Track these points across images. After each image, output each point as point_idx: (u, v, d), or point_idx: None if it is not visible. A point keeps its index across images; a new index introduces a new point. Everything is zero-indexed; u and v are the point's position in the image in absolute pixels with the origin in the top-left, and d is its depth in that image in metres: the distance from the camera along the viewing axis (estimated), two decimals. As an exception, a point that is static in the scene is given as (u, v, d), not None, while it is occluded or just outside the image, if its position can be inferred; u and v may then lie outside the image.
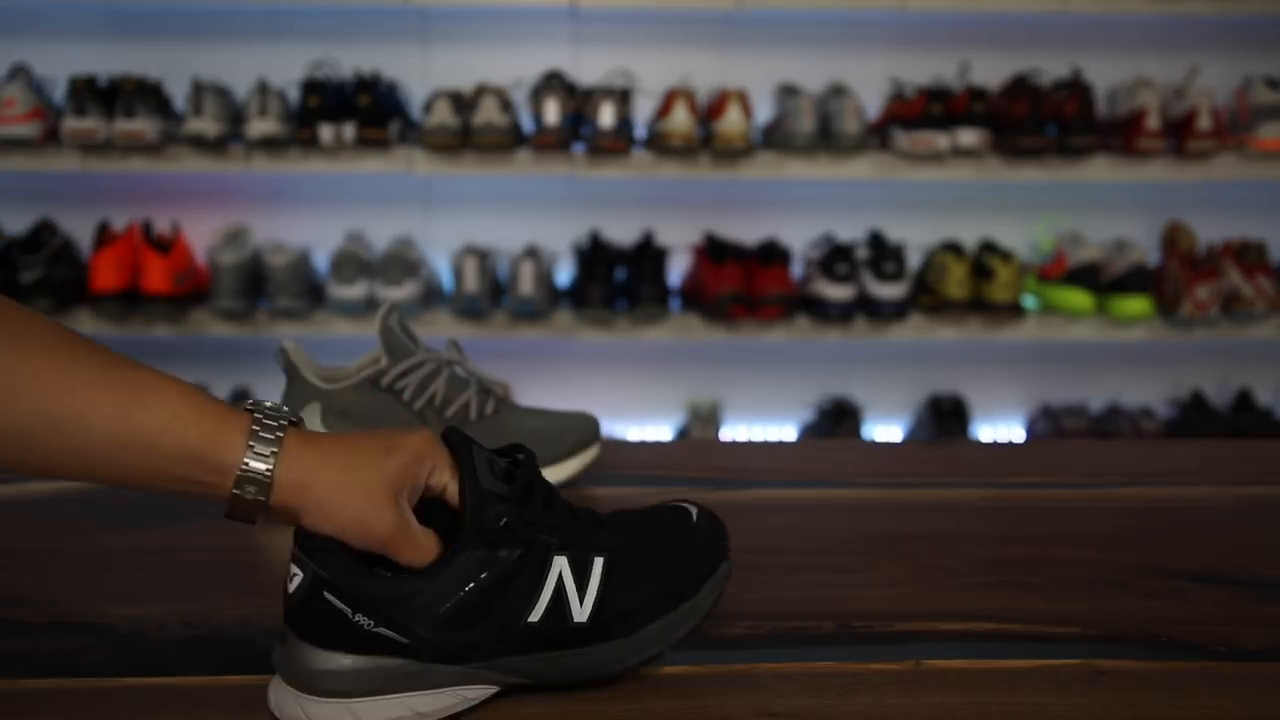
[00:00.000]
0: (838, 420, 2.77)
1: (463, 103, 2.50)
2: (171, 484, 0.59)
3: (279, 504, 0.60)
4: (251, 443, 0.59)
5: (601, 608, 0.64)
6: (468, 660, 0.62)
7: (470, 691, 0.63)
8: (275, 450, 0.59)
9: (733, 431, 2.88)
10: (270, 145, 2.47)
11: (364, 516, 0.60)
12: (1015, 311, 2.60)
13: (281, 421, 0.60)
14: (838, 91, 2.59)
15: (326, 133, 2.45)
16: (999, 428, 2.93)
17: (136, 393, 0.58)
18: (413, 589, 0.60)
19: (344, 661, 0.60)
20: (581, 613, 0.63)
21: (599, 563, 0.64)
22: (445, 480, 0.63)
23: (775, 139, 2.56)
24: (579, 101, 2.53)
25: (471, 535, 0.61)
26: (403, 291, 2.52)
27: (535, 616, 0.62)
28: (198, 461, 0.58)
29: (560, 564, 0.63)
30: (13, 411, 0.56)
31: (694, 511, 0.71)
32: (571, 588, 0.63)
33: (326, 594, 0.60)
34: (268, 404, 0.61)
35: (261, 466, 0.58)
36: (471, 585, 0.61)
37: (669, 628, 0.66)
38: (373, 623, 0.60)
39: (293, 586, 0.61)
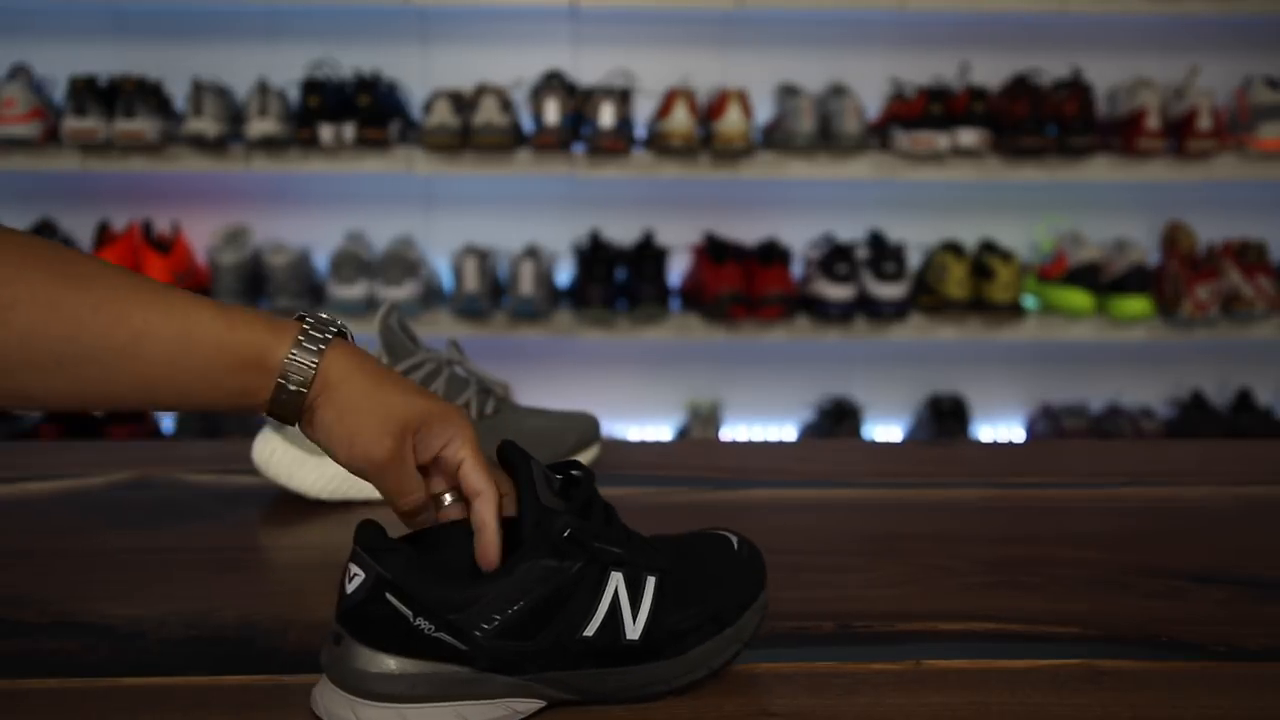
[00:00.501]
0: (838, 420, 2.77)
1: (463, 103, 2.50)
2: (223, 396, 0.61)
3: (314, 396, 0.62)
4: (300, 338, 0.62)
5: (653, 627, 0.64)
6: (521, 671, 0.61)
7: (519, 704, 0.63)
8: (322, 348, 0.62)
9: (733, 431, 2.88)
10: (270, 145, 2.47)
11: (364, 431, 0.61)
12: (1015, 311, 2.60)
13: (330, 330, 0.63)
14: (838, 91, 2.59)
15: (326, 133, 2.45)
16: (999, 428, 2.93)
17: (193, 310, 0.61)
18: (476, 594, 0.60)
19: (400, 665, 0.60)
20: (634, 630, 0.63)
21: (651, 582, 0.64)
22: (462, 456, 0.63)
23: (775, 139, 2.56)
24: (579, 101, 2.53)
25: (536, 544, 0.61)
26: (403, 291, 2.52)
27: (590, 631, 0.62)
28: (253, 365, 0.61)
29: (616, 580, 0.63)
30: (77, 340, 0.58)
31: (735, 540, 0.71)
32: (626, 605, 0.63)
33: (389, 595, 0.59)
34: (321, 314, 0.64)
35: (307, 359, 0.61)
36: (534, 594, 0.60)
37: (714, 652, 0.66)
38: (433, 627, 0.59)
39: (351, 587, 0.60)
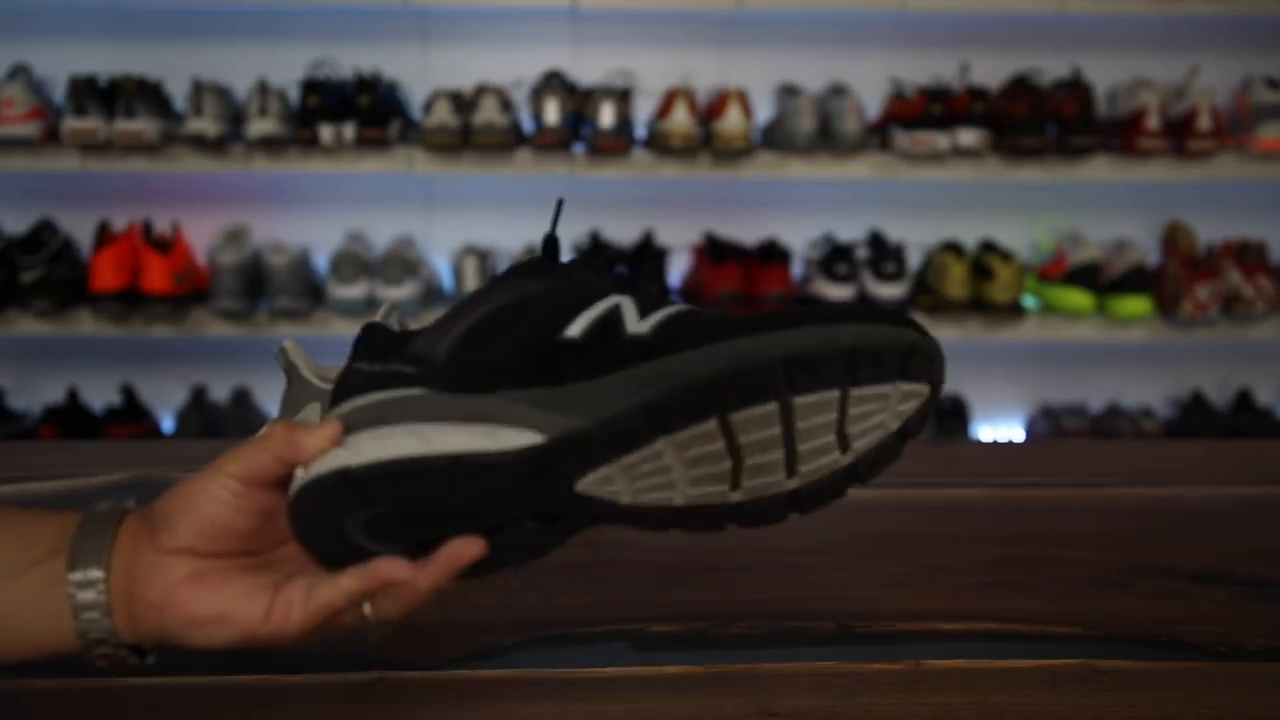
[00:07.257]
0: (838, 420, 2.77)
1: (463, 103, 2.50)
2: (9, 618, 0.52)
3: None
4: (76, 539, 0.53)
5: (671, 323, 0.52)
6: (490, 389, 0.52)
7: (501, 432, 0.51)
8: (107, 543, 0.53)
9: (733, 431, 2.87)
10: (270, 145, 2.47)
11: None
12: (1015, 311, 2.60)
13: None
14: (838, 91, 2.59)
15: (326, 133, 2.45)
16: (999, 428, 2.93)
17: None
18: (420, 332, 0.55)
19: (345, 406, 0.54)
20: (641, 325, 0.52)
21: (673, 309, 0.54)
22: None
23: (775, 139, 2.56)
24: (579, 101, 2.53)
25: (519, 266, 0.56)
26: (403, 291, 2.52)
27: (575, 331, 0.52)
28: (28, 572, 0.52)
29: (619, 299, 0.54)
30: None
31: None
32: (631, 312, 0.53)
33: (355, 364, 0.55)
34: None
35: (95, 573, 0.52)
36: (496, 300, 0.54)
37: (770, 343, 0.52)
38: (382, 366, 0.54)
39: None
